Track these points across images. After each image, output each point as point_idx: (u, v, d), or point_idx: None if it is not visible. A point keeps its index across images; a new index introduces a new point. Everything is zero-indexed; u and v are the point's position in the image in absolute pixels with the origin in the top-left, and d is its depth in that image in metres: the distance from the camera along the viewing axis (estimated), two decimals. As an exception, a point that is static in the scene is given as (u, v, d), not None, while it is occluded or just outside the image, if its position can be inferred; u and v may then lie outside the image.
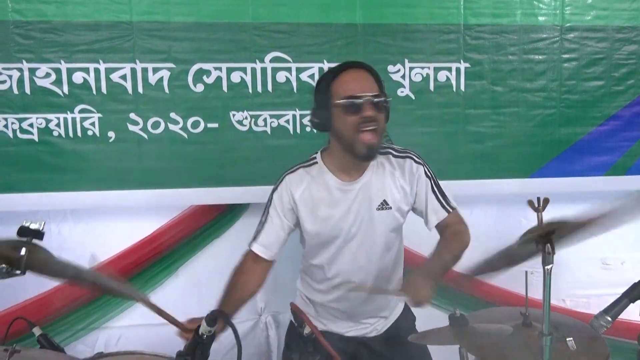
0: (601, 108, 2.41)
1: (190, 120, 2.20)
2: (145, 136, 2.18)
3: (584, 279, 2.73)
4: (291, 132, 2.27)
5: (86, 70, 2.10)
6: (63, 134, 2.13)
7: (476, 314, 1.73)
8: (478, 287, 2.56)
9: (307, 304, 1.81)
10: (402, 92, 2.30)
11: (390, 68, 2.28)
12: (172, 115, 2.18)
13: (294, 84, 2.24)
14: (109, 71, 2.12)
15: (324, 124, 1.59)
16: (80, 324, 2.35)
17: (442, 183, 2.41)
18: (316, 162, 1.69)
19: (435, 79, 2.31)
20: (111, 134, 2.16)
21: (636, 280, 1.55)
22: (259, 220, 1.71)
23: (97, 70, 2.11)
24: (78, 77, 2.11)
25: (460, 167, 2.37)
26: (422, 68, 2.31)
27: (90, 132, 2.15)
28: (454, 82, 2.32)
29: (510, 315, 1.63)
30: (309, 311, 1.79)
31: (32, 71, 2.08)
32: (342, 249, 1.67)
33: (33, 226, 1.17)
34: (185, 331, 1.42)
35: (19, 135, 2.11)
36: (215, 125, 2.22)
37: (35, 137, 2.12)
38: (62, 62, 2.08)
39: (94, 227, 2.32)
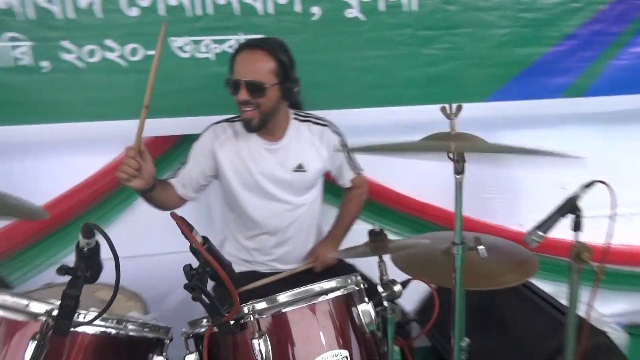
0: (558, 27, 2.31)
1: (127, 48, 2.09)
2: (81, 65, 2.08)
3: (543, 203, 2.75)
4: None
5: (8, -6, 1.97)
6: (-6, 64, 2.03)
7: (419, 236, 1.73)
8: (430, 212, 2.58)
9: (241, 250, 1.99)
10: (351, 13, 2.18)
11: (339, -13, 2.16)
12: (108, 42, 2.07)
13: (237, 6, 2.11)
14: (33, -6, 1.98)
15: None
16: (37, 260, 2.34)
17: (395, 109, 2.37)
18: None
19: (386, -2, 2.19)
20: (44, 63, 2.06)
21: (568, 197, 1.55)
22: (181, 161, 1.93)
23: (20, -6, 1.97)
24: (0, 2, 1.97)
25: (414, 91, 2.31)
26: (373, -14, 2.18)
27: (22, 62, 2.04)
28: (405, 1, 2.20)
29: (445, 239, 1.63)
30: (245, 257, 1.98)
31: (-50, -4, 1.94)
32: (259, 202, 1.87)
33: None
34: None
35: (-53, 66, 2.00)
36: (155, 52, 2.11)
37: (-36, 69, 2.02)
38: (-19, -15, 1.95)
39: (45, 163, 2.25)
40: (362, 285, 1.10)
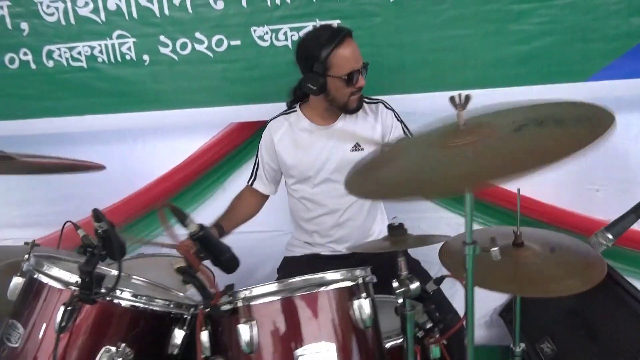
0: (690, -11, 1.92)
1: (214, 39, 2.24)
2: (176, 57, 2.29)
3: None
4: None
5: (117, -4, 2.23)
6: (106, 60, 2.32)
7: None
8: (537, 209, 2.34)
9: (303, 232, 2.01)
10: (432, -10, 2.07)
11: (418, -36, 2.06)
12: (197, 35, 2.24)
13: (313, -8, 2.13)
14: (136, -5, 2.22)
15: (319, 90, 1.77)
16: (141, 233, 2.60)
17: (480, 91, 2.21)
18: (295, 111, 1.96)
19: (470, -29, 2.03)
20: (145, 57, 2.30)
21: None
22: (253, 163, 2.04)
23: (126, -5, 2.22)
24: (111, 4, 2.24)
25: (502, 72, 2.12)
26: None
27: (127, 57, 2.31)
28: (492, -27, 2.01)
29: (505, 235, 1.49)
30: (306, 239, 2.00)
31: (73, 1, 2.26)
32: (319, 185, 1.90)
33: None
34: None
35: (71, 63, 2.35)
36: (238, 42, 2.23)
37: (84, 64, 2.34)
38: (95, -11, 2.23)
39: (149, 146, 2.54)
40: (361, 280, 1.07)
